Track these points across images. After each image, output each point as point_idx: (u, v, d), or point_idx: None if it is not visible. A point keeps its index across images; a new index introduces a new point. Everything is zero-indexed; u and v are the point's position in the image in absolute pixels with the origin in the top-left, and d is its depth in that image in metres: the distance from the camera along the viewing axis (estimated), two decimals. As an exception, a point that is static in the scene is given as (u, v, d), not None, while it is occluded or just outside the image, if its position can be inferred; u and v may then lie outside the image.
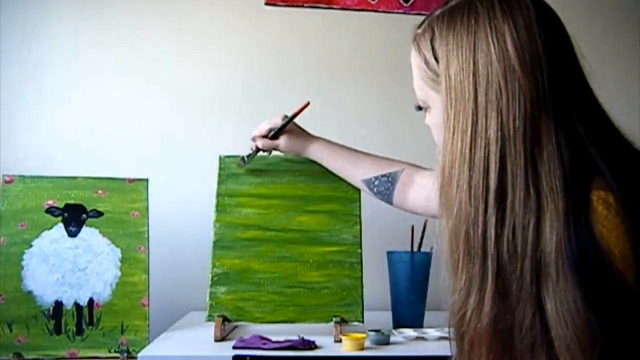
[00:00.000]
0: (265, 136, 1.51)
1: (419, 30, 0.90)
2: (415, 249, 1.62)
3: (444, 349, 1.39)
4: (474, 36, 0.81)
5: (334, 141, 1.52)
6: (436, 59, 0.86)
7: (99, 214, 1.57)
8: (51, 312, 1.51)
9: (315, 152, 1.51)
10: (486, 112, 0.79)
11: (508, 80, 0.78)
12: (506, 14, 0.81)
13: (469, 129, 0.80)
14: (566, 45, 0.84)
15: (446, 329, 1.46)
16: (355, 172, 1.49)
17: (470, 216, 0.80)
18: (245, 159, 1.57)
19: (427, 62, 0.88)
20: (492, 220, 0.78)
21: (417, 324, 1.58)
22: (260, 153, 1.55)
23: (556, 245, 0.75)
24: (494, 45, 0.79)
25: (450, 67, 0.83)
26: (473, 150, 0.80)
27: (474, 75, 0.80)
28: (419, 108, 0.96)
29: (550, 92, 0.79)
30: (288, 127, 1.50)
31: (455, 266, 0.82)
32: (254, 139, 1.53)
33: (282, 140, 1.50)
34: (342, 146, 1.52)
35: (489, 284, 0.78)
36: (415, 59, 0.92)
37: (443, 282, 0.86)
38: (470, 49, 0.81)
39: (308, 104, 1.52)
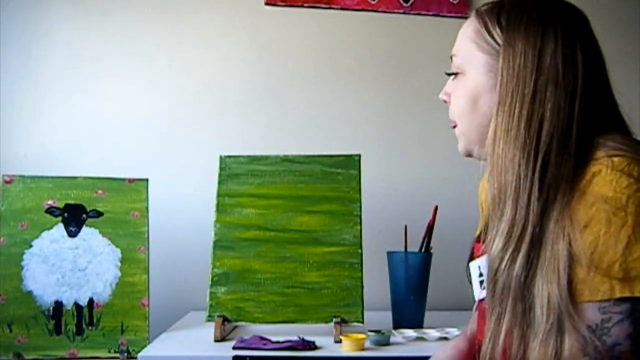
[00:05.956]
0: None
1: (485, 7, 0.93)
2: (422, 249, 1.61)
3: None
4: (544, 28, 0.86)
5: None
6: (500, 29, 0.89)
7: (99, 214, 1.57)
8: (51, 312, 1.51)
9: None
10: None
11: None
12: (577, 26, 0.89)
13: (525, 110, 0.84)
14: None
15: (446, 329, 1.49)
16: None
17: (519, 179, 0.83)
18: None
19: (487, 28, 0.90)
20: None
21: (417, 324, 1.57)
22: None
23: None
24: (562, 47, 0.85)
25: (516, 45, 0.86)
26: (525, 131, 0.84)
27: (538, 66, 0.85)
28: (450, 74, 0.97)
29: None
30: None
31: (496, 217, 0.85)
32: None
33: None
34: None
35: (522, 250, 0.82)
36: (471, 23, 0.93)
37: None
38: (539, 38, 0.86)
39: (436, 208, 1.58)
